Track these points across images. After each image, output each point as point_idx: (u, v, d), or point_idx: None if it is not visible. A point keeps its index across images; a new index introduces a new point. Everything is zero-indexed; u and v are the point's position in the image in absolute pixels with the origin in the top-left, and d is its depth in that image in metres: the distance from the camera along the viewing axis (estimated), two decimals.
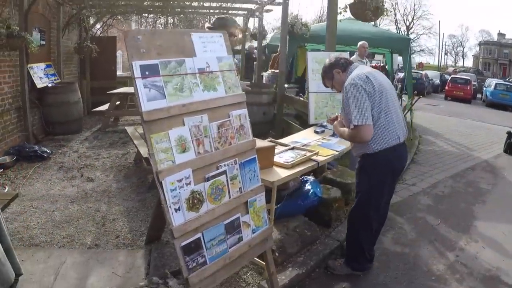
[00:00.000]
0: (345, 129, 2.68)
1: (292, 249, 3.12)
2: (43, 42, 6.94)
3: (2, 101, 5.45)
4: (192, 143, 2.02)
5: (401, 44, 8.75)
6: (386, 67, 11.78)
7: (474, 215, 4.43)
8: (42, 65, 6.73)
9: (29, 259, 2.89)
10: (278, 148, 3.36)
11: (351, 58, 7.20)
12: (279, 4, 7.16)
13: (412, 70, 22.61)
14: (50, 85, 6.63)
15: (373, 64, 12.65)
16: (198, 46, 2.13)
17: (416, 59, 44.64)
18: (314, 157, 3.20)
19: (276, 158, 3.06)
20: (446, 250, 3.56)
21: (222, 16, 3.06)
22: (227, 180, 2.17)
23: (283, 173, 2.81)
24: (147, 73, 1.88)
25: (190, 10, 9.15)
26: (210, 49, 2.18)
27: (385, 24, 47.07)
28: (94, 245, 3.21)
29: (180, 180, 1.93)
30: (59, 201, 4.08)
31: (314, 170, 4.53)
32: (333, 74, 2.82)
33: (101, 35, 9.61)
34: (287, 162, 2.96)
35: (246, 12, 9.67)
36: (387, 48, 10.21)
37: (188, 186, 1.97)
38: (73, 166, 5.22)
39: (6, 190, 4.20)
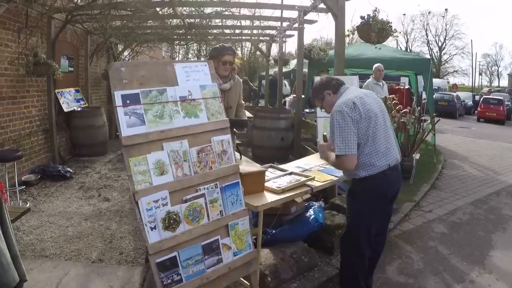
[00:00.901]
0: (330, 155, 2.68)
1: (286, 275, 3.09)
2: (71, 69, 7.39)
3: (30, 123, 5.85)
4: (171, 166, 2.12)
5: (421, 65, 8.59)
6: (411, 89, 11.53)
7: (492, 244, 4.19)
8: (71, 90, 7.19)
9: (37, 268, 3.15)
10: (276, 173, 3.39)
11: (366, 81, 7.17)
12: (296, 29, 7.28)
13: (444, 92, 21.96)
14: (78, 109, 7.06)
15: (398, 87, 12.40)
16: (180, 75, 2.25)
17: (451, 80, 43.27)
18: (309, 183, 3.19)
19: (271, 183, 3.07)
20: (455, 282, 3.38)
21: (217, 45, 3.19)
22: (205, 203, 2.24)
23: (271, 198, 2.81)
24: (128, 101, 2.03)
25: (213, 37, 9.48)
26: (193, 78, 2.30)
27: (417, 46, 46.28)
28: (98, 260, 3.39)
29: (156, 201, 2.03)
30: (74, 218, 4.33)
31: (326, 195, 4.50)
32: (324, 95, 2.78)
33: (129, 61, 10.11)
34: (279, 187, 2.98)
35: (268, 38, 9.92)
36: (407, 70, 10.05)
37: (164, 206, 2.06)
38: (93, 186, 5.51)
39: (28, 205, 4.51)
